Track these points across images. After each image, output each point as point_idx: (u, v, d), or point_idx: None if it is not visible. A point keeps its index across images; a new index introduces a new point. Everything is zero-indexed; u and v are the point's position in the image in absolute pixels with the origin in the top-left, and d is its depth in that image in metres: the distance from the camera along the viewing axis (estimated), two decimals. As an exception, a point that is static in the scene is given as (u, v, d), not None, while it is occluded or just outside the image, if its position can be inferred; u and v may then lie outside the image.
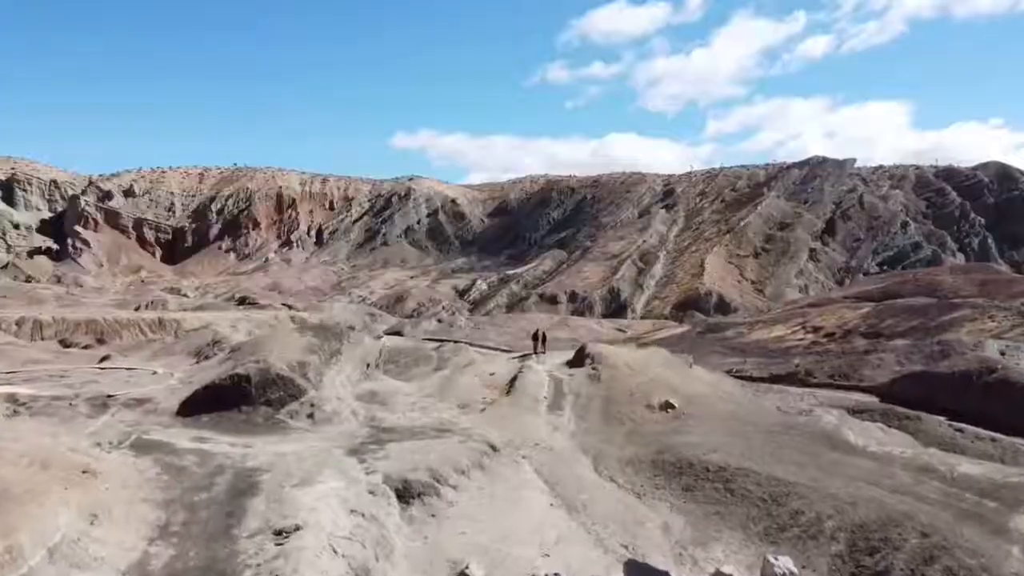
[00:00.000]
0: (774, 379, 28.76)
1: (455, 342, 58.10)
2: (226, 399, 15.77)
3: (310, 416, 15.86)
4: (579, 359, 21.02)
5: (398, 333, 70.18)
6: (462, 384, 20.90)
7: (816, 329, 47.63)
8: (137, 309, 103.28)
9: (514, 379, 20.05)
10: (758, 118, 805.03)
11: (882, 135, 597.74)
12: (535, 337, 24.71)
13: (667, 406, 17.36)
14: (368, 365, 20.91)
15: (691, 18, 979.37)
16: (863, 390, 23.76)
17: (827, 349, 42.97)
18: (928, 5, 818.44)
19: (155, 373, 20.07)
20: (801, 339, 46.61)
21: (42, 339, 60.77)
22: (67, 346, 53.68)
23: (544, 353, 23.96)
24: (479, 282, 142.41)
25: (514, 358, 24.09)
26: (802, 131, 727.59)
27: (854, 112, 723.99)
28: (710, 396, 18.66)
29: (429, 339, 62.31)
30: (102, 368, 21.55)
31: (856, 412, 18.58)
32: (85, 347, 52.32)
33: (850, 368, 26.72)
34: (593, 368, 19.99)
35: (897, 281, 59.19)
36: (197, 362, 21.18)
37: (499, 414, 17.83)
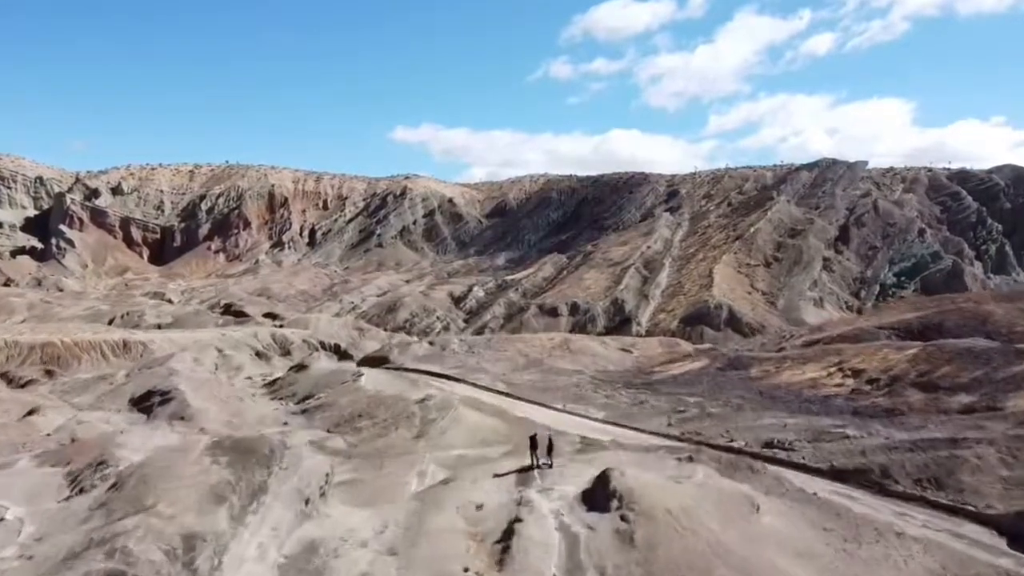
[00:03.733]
0: (837, 475, 22.91)
1: (447, 377, 52.43)
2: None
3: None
4: (602, 495, 15.11)
5: (384, 359, 64.37)
6: (437, 529, 14.98)
7: (856, 373, 41.72)
8: (111, 322, 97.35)
9: (510, 531, 14.13)
10: (760, 115, 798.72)
11: (884, 132, 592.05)
12: (533, 444, 18.56)
13: (740, 611, 11.51)
14: (308, 501, 15.02)
15: (695, 15, 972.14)
16: (975, 518, 17.87)
17: (875, 402, 37.24)
18: (931, 4, 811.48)
19: (1, 520, 14.18)
20: (840, 385, 40.78)
21: (-10, 366, 54.66)
22: (9, 381, 47.75)
23: (550, 466, 17.99)
24: (476, 288, 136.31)
25: (510, 474, 18.12)
26: (804, 128, 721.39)
27: (856, 109, 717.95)
28: (798, 580, 12.75)
29: (417, 370, 56.50)
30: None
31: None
32: (25, 384, 46.43)
33: (941, 469, 20.88)
34: (622, 517, 14.08)
35: (938, 310, 53.29)
36: (69, 497, 15.29)
37: (487, 614, 11.92)
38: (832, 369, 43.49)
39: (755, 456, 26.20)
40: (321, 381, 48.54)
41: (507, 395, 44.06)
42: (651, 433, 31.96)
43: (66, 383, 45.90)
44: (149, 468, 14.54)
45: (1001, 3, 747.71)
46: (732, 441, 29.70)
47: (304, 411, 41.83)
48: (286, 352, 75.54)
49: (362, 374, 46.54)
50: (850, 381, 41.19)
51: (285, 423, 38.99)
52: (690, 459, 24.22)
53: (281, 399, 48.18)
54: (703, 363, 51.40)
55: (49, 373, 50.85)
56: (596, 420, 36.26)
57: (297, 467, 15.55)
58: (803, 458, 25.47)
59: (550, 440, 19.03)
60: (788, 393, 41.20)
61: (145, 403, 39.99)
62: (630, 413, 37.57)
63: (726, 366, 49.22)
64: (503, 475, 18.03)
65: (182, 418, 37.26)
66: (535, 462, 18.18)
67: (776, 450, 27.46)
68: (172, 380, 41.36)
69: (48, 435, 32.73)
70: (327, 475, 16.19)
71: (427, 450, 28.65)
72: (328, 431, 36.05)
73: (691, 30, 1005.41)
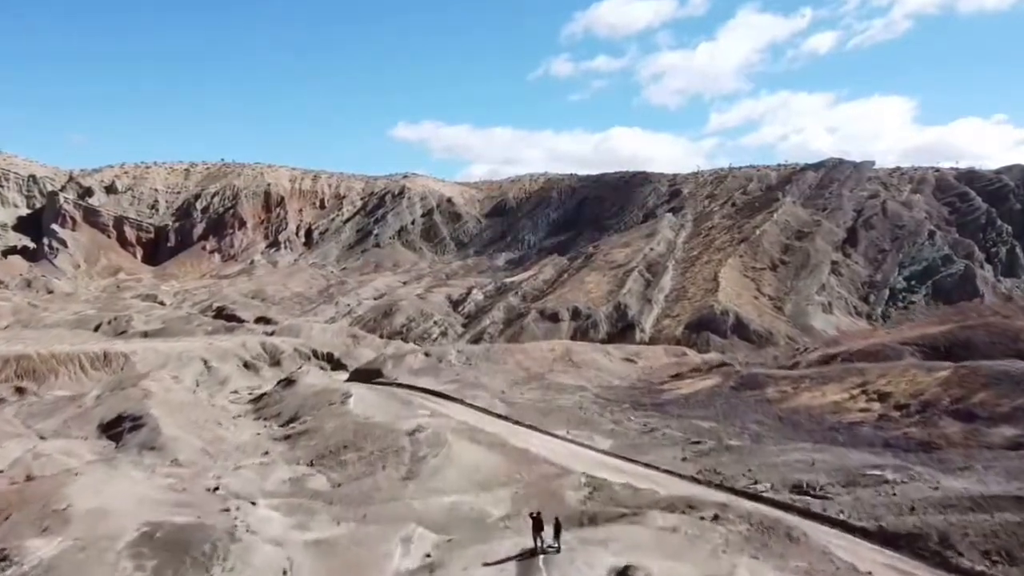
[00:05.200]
0: (887, 539, 19.89)
1: (442, 396, 49.41)
2: None
3: None
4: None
5: (378, 371, 61.36)
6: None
7: (882, 396, 38.69)
8: (97, 328, 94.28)
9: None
10: (761, 113, 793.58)
11: (885, 130, 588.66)
12: (537, 525, 15.26)
13: None
14: (258, 610, 12.03)
15: (696, 12, 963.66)
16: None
17: (907, 433, 34.29)
18: (932, 2, 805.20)
19: None
20: (866, 410, 37.78)
21: (-39, 381, 51.61)
22: (-25, 399, 44.78)
23: (557, 550, 14.93)
24: (475, 291, 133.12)
25: (508, 560, 15.09)
26: (805, 126, 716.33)
27: (857, 107, 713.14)
28: None
29: (412, 387, 53.44)
30: None
31: None
32: (-8, 404, 43.47)
33: (1012, 540, 17.97)
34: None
35: (963, 325, 50.32)
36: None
37: None
38: (855, 391, 40.49)
39: (786, 508, 23.25)
40: (308, 401, 45.42)
41: (506, 419, 41.03)
42: (665, 471, 28.98)
43: (33, 404, 42.87)
44: (56, 574, 11.53)
45: (1003, 1, 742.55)
46: (756, 483, 26.71)
47: (287, 436, 38.77)
48: (276, 362, 72.15)
49: (350, 395, 43.41)
50: (876, 406, 38.21)
51: (266, 452, 36.01)
52: (716, 518, 21.28)
53: (265, 419, 45.13)
54: (715, 381, 48.34)
55: (20, 391, 47.86)
56: (603, 452, 33.28)
57: (246, 565, 12.54)
58: (841, 512, 22.48)
59: (557, 521, 15.92)
60: (809, 419, 38.21)
61: (115, 429, 37.04)
62: (639, 443, 34.55)
63: (740, 385, 46.22)
64: (499, 563, 14.97)
65: (153, 448, 34.21)
66: (539, 545, 15.18)
67: (808, 497, 24.50)
68: (144, 404, 38.33)
69: (1, 471, 29.82)
70: (285, 572, 13.16)
71: (416, 496, 25.66)
72: (311, 463, 33.03)
73: (693, 28, 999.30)
